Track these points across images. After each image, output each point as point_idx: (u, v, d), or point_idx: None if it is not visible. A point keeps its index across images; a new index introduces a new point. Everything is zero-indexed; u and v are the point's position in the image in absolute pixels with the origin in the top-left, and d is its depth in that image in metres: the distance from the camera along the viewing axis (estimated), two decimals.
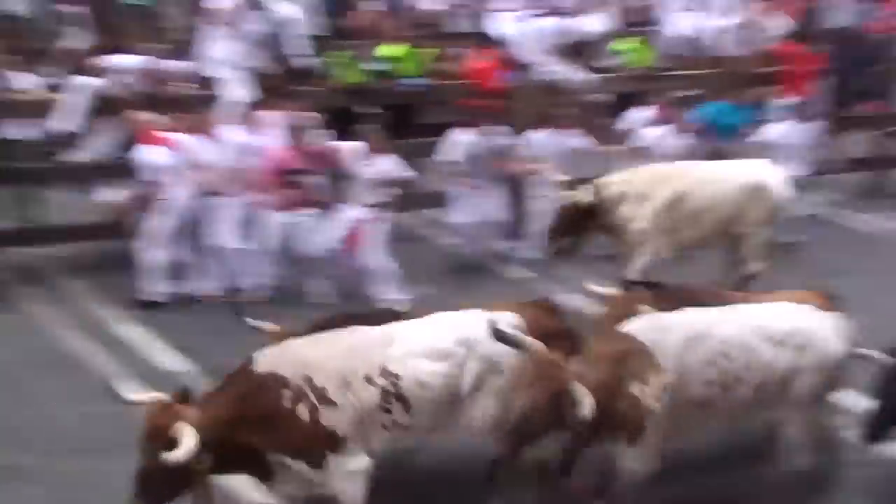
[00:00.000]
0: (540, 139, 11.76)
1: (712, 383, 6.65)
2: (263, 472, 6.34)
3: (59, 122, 11.41)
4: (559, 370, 6.20)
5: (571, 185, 10.30)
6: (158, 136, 10.63)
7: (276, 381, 6.25)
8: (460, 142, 11.31)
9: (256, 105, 11.35)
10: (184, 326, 9.95)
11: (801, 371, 6.90)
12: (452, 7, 14.74)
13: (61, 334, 9.96)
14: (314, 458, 6.29)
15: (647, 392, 6.41)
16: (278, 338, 7.02)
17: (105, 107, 11.39)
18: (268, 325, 7.40)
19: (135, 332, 9.95)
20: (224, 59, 12.12)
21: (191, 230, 10.73)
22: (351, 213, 10.70)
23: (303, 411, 6.24)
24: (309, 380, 6.29)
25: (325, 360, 6.39)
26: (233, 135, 10.91)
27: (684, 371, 6.57)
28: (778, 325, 6.94)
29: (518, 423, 6.15)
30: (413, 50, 13.11)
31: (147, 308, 10.35)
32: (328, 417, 6.29)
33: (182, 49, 12.54)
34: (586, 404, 6.07)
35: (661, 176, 10.47)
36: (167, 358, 9.38)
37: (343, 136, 11.60)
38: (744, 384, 6.75)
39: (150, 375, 8.64)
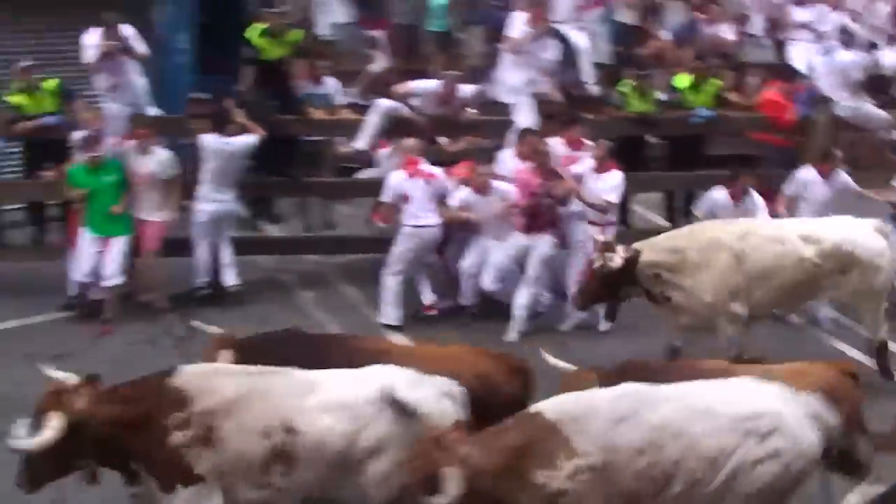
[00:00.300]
0: (808, 178, 11.27)
1: (639, 478, 5.79)
2: (131, 475, 6.38)
3: (357, 141, 12.14)
4: (442, 451, 5.70)
5: (609, 246, 9.55)
6: (418, 166, 11.05)
7: (176, 400, 6.22)
8: (711, 199, 10.95)
9: (539, 132, 11.61)
10: (449, 338, 10.29)
11: (758, 463, 5.91)
12: (747, 36, 14.49)
13: None
14: (166, 483, 6.23)
15: (556, 476, 5.72)
16: (223, 342, 7.20)
17: (397, 128, 11.95)
18: (212, 329, 7.59)
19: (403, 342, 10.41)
20: (516, 85, 12.41)
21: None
22: (585, 235, 10.78)
23: (177, 438, 6.18)
24: (207, 414, 6.19)
25: (235, 400, 6.25)
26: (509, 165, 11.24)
27: (613, 454, 5.79)
28: (733, 409, 5.95)
29: (390, 500, 5.78)
30: (704, 80, 12.97)
31: (389, 330, 10.72)
32: (196, 456, 6.18)
33: (478, 74, 13.01)
34: (446, 495, 5.53)
35: (717, 237, 9.63)
36: None
37: (626, 164, 11.78)
38: (676, 483, 5.82)
39: None
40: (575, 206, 10.93)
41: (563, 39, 12.84)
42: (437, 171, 11.17)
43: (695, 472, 5.84)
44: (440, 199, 10.98)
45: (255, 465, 6.23)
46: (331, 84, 12.79)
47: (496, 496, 5.72)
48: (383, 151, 11.98)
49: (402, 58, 13.97)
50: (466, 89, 12.38)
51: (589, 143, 11.38)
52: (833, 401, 6.46)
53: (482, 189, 10.93)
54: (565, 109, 12.21)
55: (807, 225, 10.03)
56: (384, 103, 12.10)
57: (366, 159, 12.28)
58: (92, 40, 11.94)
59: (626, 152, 12.44)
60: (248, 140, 11.33)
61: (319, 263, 12.50)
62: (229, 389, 6.31)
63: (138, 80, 12.34)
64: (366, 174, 12.40)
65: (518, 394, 7.08)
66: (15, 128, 11.68)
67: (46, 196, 11.90)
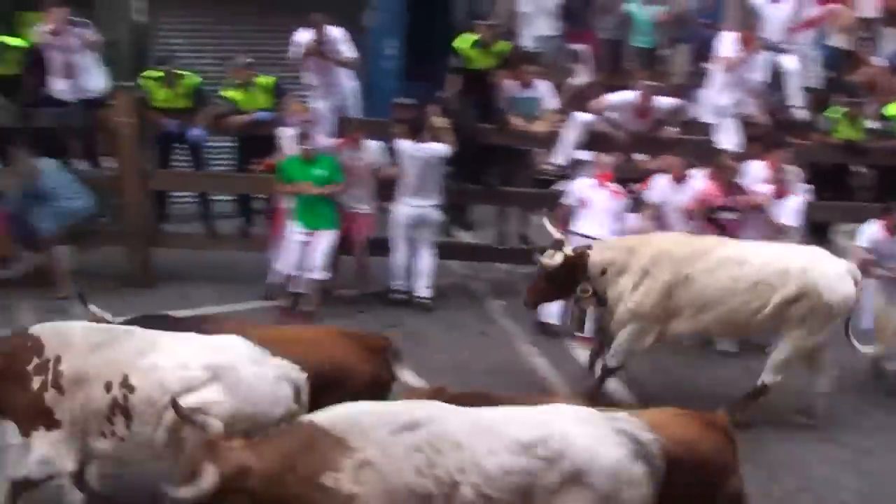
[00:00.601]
0: None
1: (421, 474, 5.82)
2: None
3: (555, 155, 12.17)
4: (211, 453, 5.80)
5: (558, 244, 9.44)
6: (606, 182, 11.04)
7: (34, 345, 6.73)
8: (865, 231, 10.49)
9: (741, 154, 11.42)
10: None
11: (559, 488, 5.87)
12: None
13: (524, 348, 10.77)
14: (24, 427, 6.76)
15: (343, 477, 5.81)
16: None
17: (595, 142, 11.96)
18: (105, 314, 7.71)
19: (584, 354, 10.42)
20: (721, 105, 12.25)
21: None
22: None
23: (37, 382, 6.65)
24: (58, 360, 6.63)
25: (83, 350, 6.68)
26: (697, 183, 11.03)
27: (386, 448, 5.85)
28: (520, 434, 5.94)
29: None
30: None
31: (546, 334, 10.95)
32: (53, 399, 6.63)
33: (682, 93, 12.88)
34: (197, 486, 5.63)
35: (669, 251, 9.18)
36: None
37: (828, 192, 11.47)
38: (464, 488, 5.82)
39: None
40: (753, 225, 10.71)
41: (773, 61, 12.56)
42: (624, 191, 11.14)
43: (481, 488, 5.86)
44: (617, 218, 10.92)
45: (99, 414, 6.67)
46: (541, 88, 12.69)
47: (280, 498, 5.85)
48: (581, 164, 12.00)
49: (605, 73, 13.95)
50: (664, 102, 12.26)
51: (790, 167, 11.11)
52: (691, 456, 6.31)
53: (680, 178, 10.82)
54: (770, 132, 11.97)
55: (772, 250, 9.51)
56: (582, 117, 12.12)
57: (563, 171, 12.31)
58: (302, 39, 12.36)
59: (831, 180, 12.16)
60: (439, 148, 11.53)
61: (510, 272, 12.60)
62: (78, 337, 6.80)
63: (348, 83, 12.73)
64: (562, 186, 12.43)
65: (377, 375, 7.31)
66: (224, 121, 12.13)
67: (255, 189, 12.35)
